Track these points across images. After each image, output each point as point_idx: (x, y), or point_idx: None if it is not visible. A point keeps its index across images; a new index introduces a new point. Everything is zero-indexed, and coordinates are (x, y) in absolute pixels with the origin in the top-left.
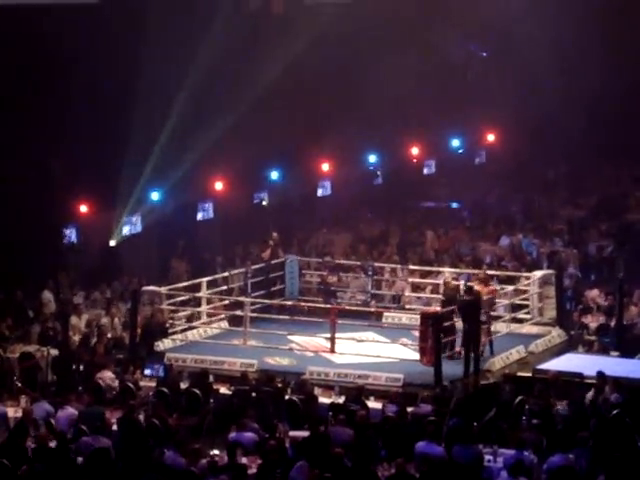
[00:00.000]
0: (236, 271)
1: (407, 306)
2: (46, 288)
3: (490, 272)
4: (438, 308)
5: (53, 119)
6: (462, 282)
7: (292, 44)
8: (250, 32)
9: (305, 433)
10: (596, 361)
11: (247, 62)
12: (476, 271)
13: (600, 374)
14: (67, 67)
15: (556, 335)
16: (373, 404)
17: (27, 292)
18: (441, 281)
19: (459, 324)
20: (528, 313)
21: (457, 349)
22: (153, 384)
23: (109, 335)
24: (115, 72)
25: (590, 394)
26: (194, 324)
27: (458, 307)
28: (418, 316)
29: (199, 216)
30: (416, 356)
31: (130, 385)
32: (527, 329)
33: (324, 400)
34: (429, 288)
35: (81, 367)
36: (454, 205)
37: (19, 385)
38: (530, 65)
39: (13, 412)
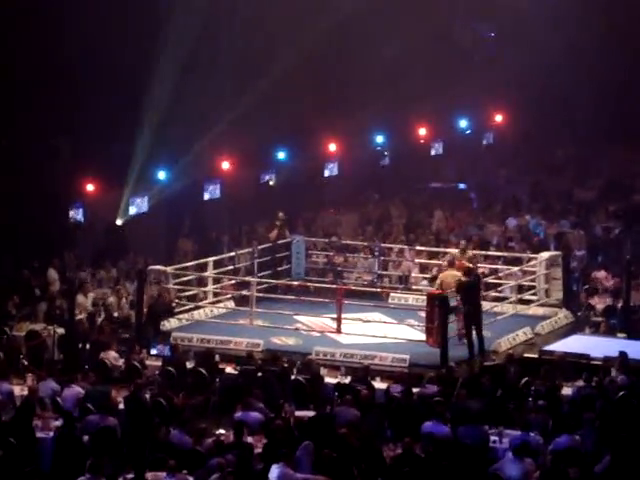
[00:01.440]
0: (243, 251)
1: (414, 287)
2: (52, 267)
3: (496, 253)
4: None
5: (61, 98)
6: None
7: (300, 25)
8: (259, 12)
9: (311, 413)
10: (603, 343)
11: (255, 42)
12: (482, 252)
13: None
14: (75, 47)
15: (562, 316)
16: (379, 384)
17: (33, 271)
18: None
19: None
20: (535, 294)
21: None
22: (159, 363)
23: (115, 314)
24: (123, 52)
25: None
26: (200, 304)
27: (457, 289)
28: (424, 297)
29: (206, 196)
30: (422, 337)
31: (136, 364)
32: (533, 310)
33: (330, 380)
34: (436, 269)
35: (87, 346)
36: (461, 186)
37: (25, 363)
38: (538, 46)
39: (19, 390)
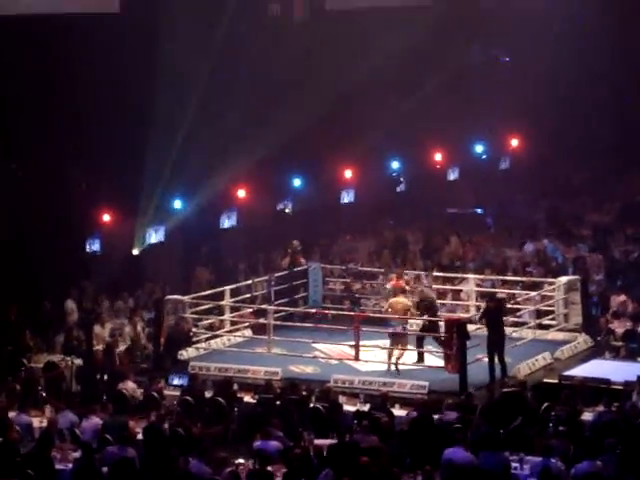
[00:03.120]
0: (259, 279)
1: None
2: (69, 298)
3: (514, 278)
4: (463, 315)
5: (74, 128)
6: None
7: (313, 50)
8: (272, 37)
9: (330, 441)
10: (623, 367)
11: (269, 68)
12: (500, 277)
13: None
14: (87, 76)
15: (582, 341)
16: (398, 412)
17: (51, 302)
18: (466, 288)
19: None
20: (553, 319)
21: (478, 356)
22: (177, 393)
23: (132, 345)
24: (136, 80)
25: None
26: (218, 332)
27: (483, 314)
28: (442, 323)
29: (222, 224)
30: (441, 363)
31: (155, 394)
32: (553, 335)
33: (349, 408)
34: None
35: (105, 377)
36: (478, 211)
37: (44, 395)
38: (554, 70)
39: (38, 422)
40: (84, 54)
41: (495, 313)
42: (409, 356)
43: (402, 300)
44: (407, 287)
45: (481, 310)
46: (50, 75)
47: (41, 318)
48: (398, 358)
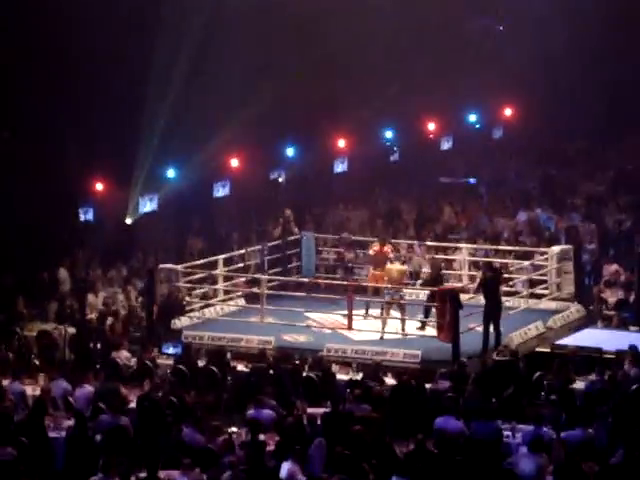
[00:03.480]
0: (252, 248)
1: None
2: (62, 266)
3: (507, 247)
4: (456, 284)
5: (68, 98)
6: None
7: (307, 20)
8: (265, 8)
9: (323, 410)
10: (615, 336)
11: (262, 35)
12: (493, 247)
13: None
14: (82, 45)
15: (575, 310)
16: (391, 380)
17: (44, 271)
18: (459, 257)
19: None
20: (546, 288)
21: (471, 326)
22: (170, 362)
23: (125, 313)
24: (132, 50)
25: None
26: (211, 302)
27: (480, 283)
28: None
29: (215, 193)
30: (433, 332)
31: (148, 363)
32: (545, 304)
33: (342, 377)
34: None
35: (98, 345)
36: (471, 181)
37: (37, 363)
38: (547, 38)
39: (31, 390)
40: (77, 20)
41: (492, 283)
42: (407, 325)
43: (397, 267)
44: (391, 255)
45: (478, 279)
46: (43, 42)
47: (34, 287)
48: (403, 327)
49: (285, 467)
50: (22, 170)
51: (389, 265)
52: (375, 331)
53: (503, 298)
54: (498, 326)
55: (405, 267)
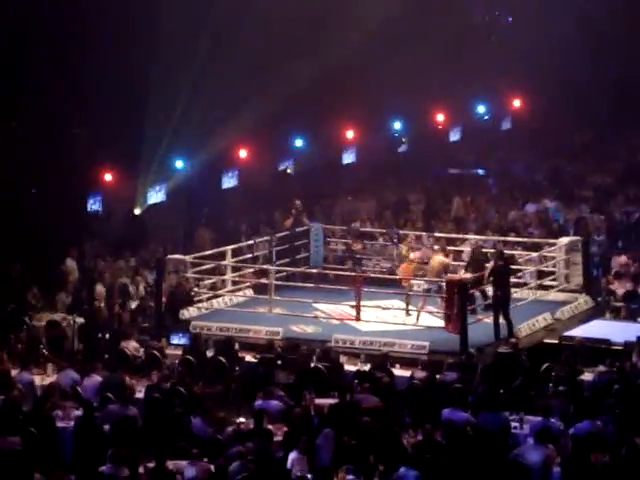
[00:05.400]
0: (261, 239)
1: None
2: (70, 256)
3: (516, 239)
4: (465, 275)
5: (78, 87)
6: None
7: (316, 10)
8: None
9: (330, 401)
10: (623, 327)
11: (274, 31)
12: (501, 238)
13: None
14: (91, 35)
15: (583, 302)
16: (399, 372)
17: (53, 261)
18: (467, 248)
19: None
20: (555, 280)
21: (479, 317)
22: (179, 352)
23: (134, 304)
24: (140, 40)
25: None
26: (219, 292)
27: (491, 272)
28: (444, 283)
29: (224, 184)
30: (442, 323)
31: (156, 353)
32: (554, 296)
33: (350, 368)
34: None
35: (107, 335)
36: (480, 172)
37: (46, 353)
38: (556, 30)
39: (40, 380)
40: (86, 8)
41: (503, 272)
42: (412, 316)
43: (439, 258)
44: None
45: (489, 268)
46: (54, 33)
47: (44, 277)
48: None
49: (292, 457)
50: (30, 161)
51: (434, 256)
52: (383, 322)
53: (512, 289)
54: (508, 316)
55: (448, 261)
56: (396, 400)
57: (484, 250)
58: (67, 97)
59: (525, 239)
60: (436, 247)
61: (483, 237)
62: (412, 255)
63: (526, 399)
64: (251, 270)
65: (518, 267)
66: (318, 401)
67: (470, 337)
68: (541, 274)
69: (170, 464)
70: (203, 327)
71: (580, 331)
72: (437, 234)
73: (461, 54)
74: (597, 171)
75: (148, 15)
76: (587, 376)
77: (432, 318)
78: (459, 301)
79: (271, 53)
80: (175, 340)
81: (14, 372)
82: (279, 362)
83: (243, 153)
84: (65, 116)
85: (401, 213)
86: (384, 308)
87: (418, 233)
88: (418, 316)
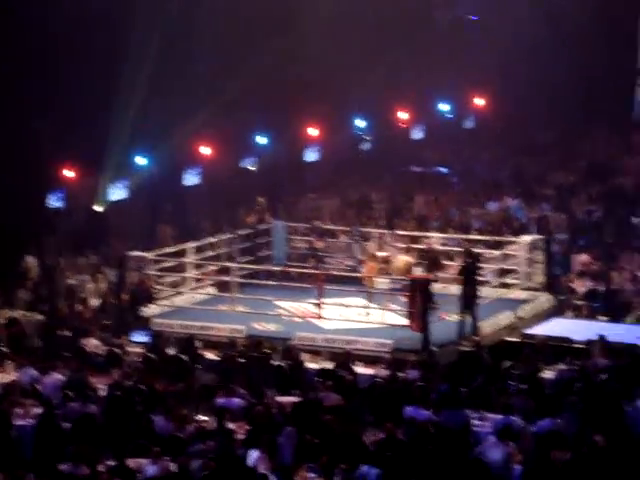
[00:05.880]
0: (223, 237)
1: None
2: (30, 253)
3: (478, 237)
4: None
5: (39, 83)
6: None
7: (279, 8)
8: None
9: (293, 399)
10: (584, 326)
11: (236, 26)
12: (463, 236)
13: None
14: (53, 29)
15: (544, 300)
16: (361, 369)
17: (12, 257)
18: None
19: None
20: (517, 278)
21: (442, 315)
22: (139, 350)
23: (95, 301)
24: (102, 35)
25: None
26: (181, 290)
27: (460, 270)
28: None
29: (186, 181)
30: (404, 321)
31: (117, 351)
32: (515, 294)
33: (312, 366)
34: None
35: (67, 333)
36: (443, 170)
37: (5, 350)
38: (519, 28)
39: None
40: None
41: (471, 270)
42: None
43: (404, 258)
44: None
45: (460, 266)
46: (14, 27)
47: (3, 274)
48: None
49: (253, 455)
50: None
51: (398, 256)
52: (344, 320)
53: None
54: (474, 313)
55: (412, 260)
56: (358, 398)
57: (440, 248)
58: (29, 92)
59: (487, 237)
60: (401, 246)
61: (445, 235)
62: (379, 254)
63: (488, 397)
64: (213, 268)
65: (480, 265)
66: (280, 399)
67: (432, 335)
68: (503, 272)
69: (131, 462)
70: (165, 325)
71: (541, 329)
72: (399, 232)
73: (425, 52)
74: (560, 170)
75: (109, 12)
76: (548, 374)
77: (395, 316)
78: (421, 299)
79: (234, 51)
80: (136, 338)
81: None
82: (241, 360)
83: (206, 150)
84: (27, 111)
85: (364, 211)
86: (347, 306)
87: (380, 231)
88: (382, 314)
